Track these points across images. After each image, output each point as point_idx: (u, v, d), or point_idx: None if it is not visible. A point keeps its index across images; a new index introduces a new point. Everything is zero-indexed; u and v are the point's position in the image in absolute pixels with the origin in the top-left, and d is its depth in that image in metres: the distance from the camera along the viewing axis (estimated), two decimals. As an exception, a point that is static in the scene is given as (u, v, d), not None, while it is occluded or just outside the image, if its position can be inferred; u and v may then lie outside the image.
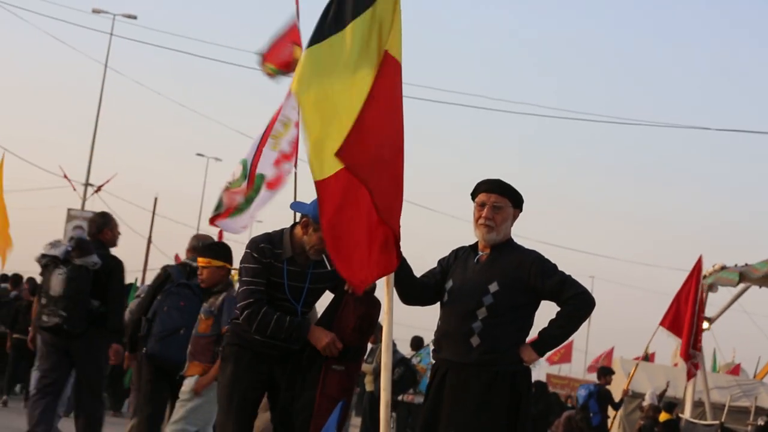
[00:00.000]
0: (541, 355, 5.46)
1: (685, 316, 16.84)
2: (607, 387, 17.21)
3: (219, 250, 7.59)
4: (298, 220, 6.08)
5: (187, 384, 7.41)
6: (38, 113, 72.13)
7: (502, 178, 5.59)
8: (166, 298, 7.98)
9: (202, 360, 7.33)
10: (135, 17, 34.00)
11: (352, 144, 5.10)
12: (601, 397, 16.73)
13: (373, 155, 5.19)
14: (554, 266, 5.47)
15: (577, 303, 5.38)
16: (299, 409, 5.74)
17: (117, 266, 8.70)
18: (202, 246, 7.86)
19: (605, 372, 17.47)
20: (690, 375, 17.16)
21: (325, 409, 5.71)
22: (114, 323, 8.51)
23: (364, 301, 5.76)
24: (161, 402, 8.07)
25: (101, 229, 8.83)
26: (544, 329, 5.42)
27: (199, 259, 7.50)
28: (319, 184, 5.19)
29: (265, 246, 5.82)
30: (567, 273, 5.46)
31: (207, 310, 7.35)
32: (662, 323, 16.87)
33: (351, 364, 5.87)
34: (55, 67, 73.61)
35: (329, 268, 5.95)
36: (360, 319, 5.76)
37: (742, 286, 18.81)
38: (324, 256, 5.91)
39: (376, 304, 5.85)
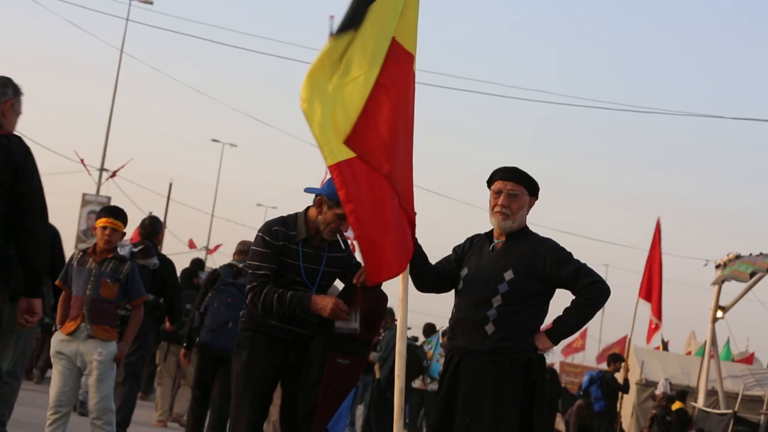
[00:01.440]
0: (556, 343, 5.46)
1: (655, 280, 16.95)
2: (615, 373, 17.21)
3: (120, 215, 7.64)
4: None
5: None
6: (54, 98, 72.32)
7: (518, 166, 5.59)
8: (216, 295, 8.84)
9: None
10: (151, 2, 33.90)
11: (360, 131, 5.11)
12: (604, 383, 16.73)
13: (384, 142, 5.20)
14: (570, 254, 5.47)
15: (592, 291, 5.38)
16: (303, 402, 5.75)
17: (172, 267, 10.08)
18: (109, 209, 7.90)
19: (615, 359, 17.48)
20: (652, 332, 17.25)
21: (330, 402, 5.71)
22: (175, 315, 10.00)
23: (372, 294, 5.78)
24: (208, 386, 8.97)
25: (156, 233, 10.15)
26: (559, 317, 5.42)
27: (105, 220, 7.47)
28: (332, 169, 5.21)
29: (278, 229, 5.81)
30: (582, 261, 5.47)
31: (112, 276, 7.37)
32: (640, 295, 17.01)
33: (356, 358, 5.87)
34: (72, 52, 73.85)
35: (344, 252, 5.96)
36: (368, 312, 5.78)
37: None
38: (339, 237, 5.92)
39: (383, 298, 5.88)
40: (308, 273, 5.85)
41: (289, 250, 5.81)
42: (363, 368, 6.05)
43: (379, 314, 5.88)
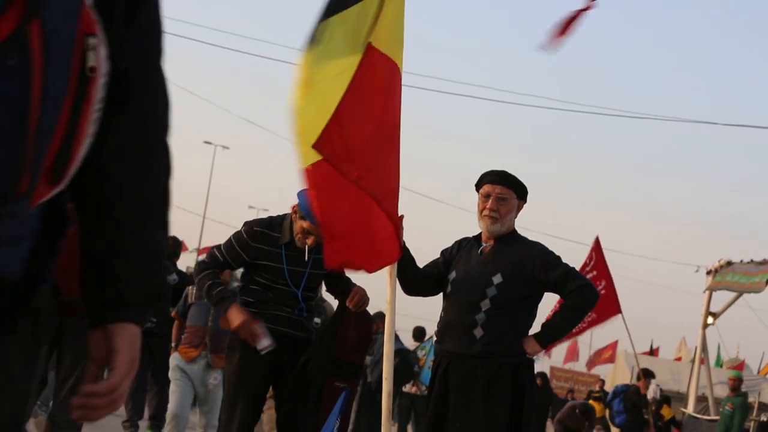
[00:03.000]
0: (544, 347, 5.45)
1: (609, 287, 16.64)
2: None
3: None
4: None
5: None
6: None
7: (506, 170, 5.58)
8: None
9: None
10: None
11: (329, 135, 5.07)
12: (627, 397, 16.60)
13: (353, 148, 5.12)
14: (558, 258, 5.46)
15: (580, 295, 5.37)
16: (302, 425, 5.73)
17: (190, 280, 10.37)
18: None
19: (645, 374, 17.26)
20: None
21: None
22: None
23: (362, 318, 5.81)
24: None
25: (177, 254, 11.39)
26: (548, 321, 5.42)
27: None
28: (304, 173, 5.14)
29: (259, 230, 5.82)
30: (571, 265, 5.45)
31: None
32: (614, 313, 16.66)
33: (353, 381, 5.91)
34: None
35: None
36: (362, 337, 5.81)
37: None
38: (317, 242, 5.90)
39: (371, 320, 5.96)
40: (293, 276, 5.83)
41: (271, 253, 5.80)
42: (357, 390, 6.07)
43: (367, 336, 5.91)
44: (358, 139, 5.14)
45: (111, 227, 1.73)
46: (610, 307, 16.50)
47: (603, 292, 16.21)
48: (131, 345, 1.74)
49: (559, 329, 5.47)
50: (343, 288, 5.95)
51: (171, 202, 1.82)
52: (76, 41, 1.56)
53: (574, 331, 16.34)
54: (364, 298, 5.82)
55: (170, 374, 8.28)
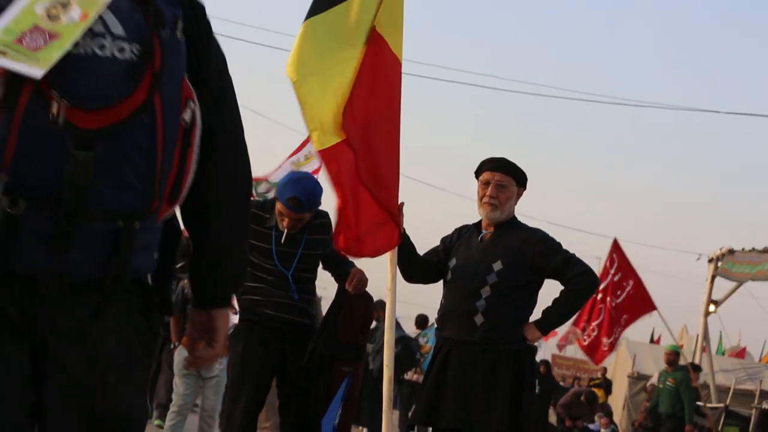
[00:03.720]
0: (545, 333, 5.46)
1: (638, 286, 16.47)
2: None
3: None
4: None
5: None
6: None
7: (506, 157, 5.58)
8: None
9: None
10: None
11: (344, 117, 5.08)
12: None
13: (359, 131, 5.13)
14: (558, 244, 5.47)
15: (581, 282, 5.38)
16: (314, 413, 5.75)
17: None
18: None
19: (694, 368, 17.20)
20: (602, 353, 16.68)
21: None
22: None
23: (363, 298, 5.82)
24: None
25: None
26: (548, 308, 5.42)
27: None
28: (323, 153, 5.15)
29: (251, 211, 5.81)
30: (571, 252, 5.46)
31: None
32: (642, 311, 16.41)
33: (358, 363, 5.94)
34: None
35: (326, 234, 5.89)
36: (363, 318, 5.82)
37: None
38: (324, 220, 5.89)
39: (370, 300, 5.96)
40: (282, 257, 5.81)
41: (262, 234, 5.81)
42: (362, 372, 6.08)
43: (368, 317, 5.92)
44: (364, 124, 5.14)
45: (213, 246, 2.46)
46: (644, 305, 16.43)
47: (632, 292, 16.15)
48: (226, 323, 2.54)
49: (559, 316, 5.47)
50: (341, 271, 5.95)
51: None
52: (181, 105, 2.27)
53: (617, 335, 16.31)
54: (362, 280, 5.82)
55: (175, 367, 8.44)
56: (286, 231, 5.78)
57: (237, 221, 2.51)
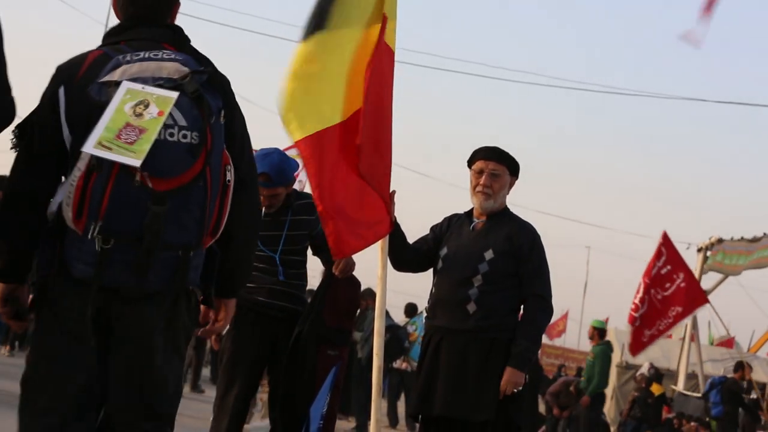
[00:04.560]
0: (525, 370, 5.34)
1: (689, 279, 16.31)
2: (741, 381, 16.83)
3: None
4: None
5: None
6: (45, 82, 71.87)
7: (499, 146, 5.54)
8: None
9: None
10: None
11: (348, 98, 5.03)
12: (725, 388, 16.49)
13: (362, 113, 5.09)
14: (541, 250, 5.47)
15: (536, 311, 5.39)
16: (300, 396, 5.71)
17: None
18: None
19: (740, 366, 17.15)
20: (641, 345, 16.49)
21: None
22: None
23: (350, 283, 5.79)
24: None
25: None
26: (516, 347, 5.27)
27: None
28: (300, 143, 5.07)
29: None
30: (548, 267, 5.46)
31: None
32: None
33: (343, 347, 5.90)
34: (57, 27, 73.32)
35: (312, 215, 5.76)
36: (350, 303, 5.79)
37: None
38: (308, 200, 5.81)
39: (357, 285, 5.91)
40: (267, 240, 5.77)
41: None
42: (347, 356, 6.04)
43: (355, 302, 5.88)
44: (365, 105, 5.09)
45: (234, 257, 3.44)
46: (696, 298, 16.36)
47: (683, 285, 16.05)
48: (233, 308, 3.56)
49: (529, 350, 5.36)
50: (328, 255, 5.91)
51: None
52: (223, 169, 3.27)
53: (662, 328, 16.24)
54: (349, 264, 5.78)
55: None
56: (264, 210, 5.71)
57: (252, 240, 3.59)
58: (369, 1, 5.21)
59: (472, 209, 5.60)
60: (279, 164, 5.75)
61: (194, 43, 3.48)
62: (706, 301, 16.46)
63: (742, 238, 18.90)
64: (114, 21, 3.50)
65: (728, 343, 28.72)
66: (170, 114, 3.09)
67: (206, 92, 3.22)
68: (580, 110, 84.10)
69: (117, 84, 3.12)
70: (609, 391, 21.47)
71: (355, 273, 5.91)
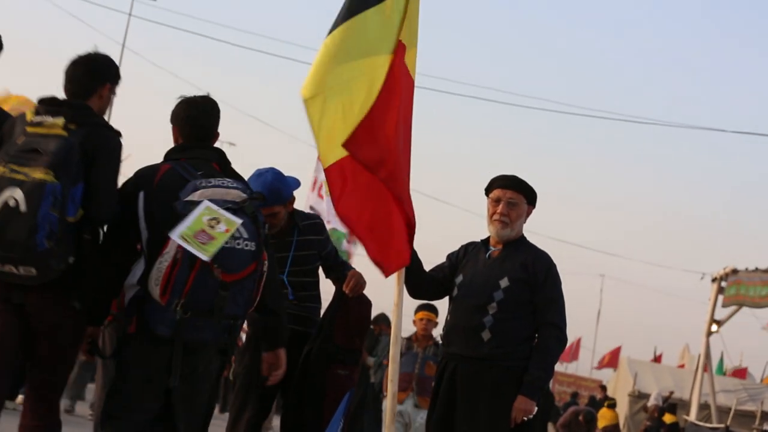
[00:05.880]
0: (537, 399, 5.34)
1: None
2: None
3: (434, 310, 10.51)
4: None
5: None
6: (55, 92, 71.99)
7: (516, 174, 5.56)
8: None
9: None
10: (155, -1, 33.98)
11: (363, 133, 5.07)
12: None
13: (386, 145, 5.15)
14: (557, 279, 5.46)
15: (550, 339, 5.37)
16: (309, 415, 5.72)
17: None
18: None
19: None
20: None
21: (334, 412, 5.70)
22: None
23: (360, 301, 5.81)
24: None
25: None
26: (528, 375, 5.29)
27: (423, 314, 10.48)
28: (329, 170, 5.15)
29: None
30: (563, 297, 5.47)
31: None
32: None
33: (353, 367, 5.90)
34: (73, 46, 73.69)
35: (321, 234, 5.90)
36: (360, 322, 5.79)
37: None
38: (315, 220, 5.92)
39: (367, 304, 5.92)
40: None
41: None
42: (357, 376, 6.03)
43: (366, 320, 5.89)
44: (386, 140, 5.14)
45: (272, 319, 4.80)
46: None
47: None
48: (285, 356, 4.93)
49: (541, 379, 5.36)
50: (339, 273, 5.93)
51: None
52: (264, 264, 4.39)
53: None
54: (360, 282, 5.80)
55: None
56: (267, 231, 5.74)
57: (282, 303, 4.92)
58: (385, 30, 5.25)
59: (488, 237, 5.61)
60: (272, 183, 5.72)
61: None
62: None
63: (756, 268, 18.84)
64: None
65: (741, 373, 28.61)
66: (238, 228, 4.20)
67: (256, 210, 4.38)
68: (598, 138, 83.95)
69: (197, 203, 4.21)
70: (621, 420, 21.41)
71: (370, 298, 5.94)
